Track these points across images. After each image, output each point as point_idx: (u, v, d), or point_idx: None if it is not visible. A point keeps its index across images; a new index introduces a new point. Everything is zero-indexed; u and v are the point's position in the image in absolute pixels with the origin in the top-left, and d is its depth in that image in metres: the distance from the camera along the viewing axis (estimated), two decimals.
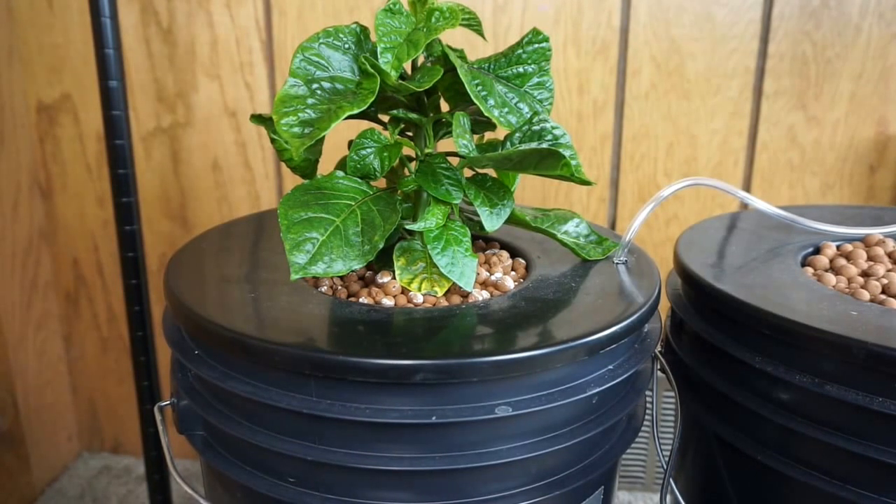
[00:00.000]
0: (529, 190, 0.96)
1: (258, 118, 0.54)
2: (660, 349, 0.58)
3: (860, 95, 0.89)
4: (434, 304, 0.49)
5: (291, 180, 0.98)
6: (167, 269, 0.52)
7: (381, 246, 0.46)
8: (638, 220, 0.55)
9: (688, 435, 0.59)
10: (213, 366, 0.45)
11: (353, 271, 0.46)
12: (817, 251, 0.61)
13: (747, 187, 0.94)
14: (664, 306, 0.58)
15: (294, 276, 0.44)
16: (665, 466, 0.54)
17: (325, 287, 0.51)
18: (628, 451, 0.51)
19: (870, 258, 0.59)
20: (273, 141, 0.53)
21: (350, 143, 0.50)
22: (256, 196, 1.00)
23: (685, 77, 0.90)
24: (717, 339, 0.52)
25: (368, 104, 0.46)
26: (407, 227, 0.50)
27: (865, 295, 0.52)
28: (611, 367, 0.46)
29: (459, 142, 0.48)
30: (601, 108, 0.92)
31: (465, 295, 0.50)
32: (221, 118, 0.96)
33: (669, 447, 0.54)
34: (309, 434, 0.43)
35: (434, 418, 0.40)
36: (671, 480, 0.55)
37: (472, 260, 0.50)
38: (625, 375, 0.46)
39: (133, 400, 0.93)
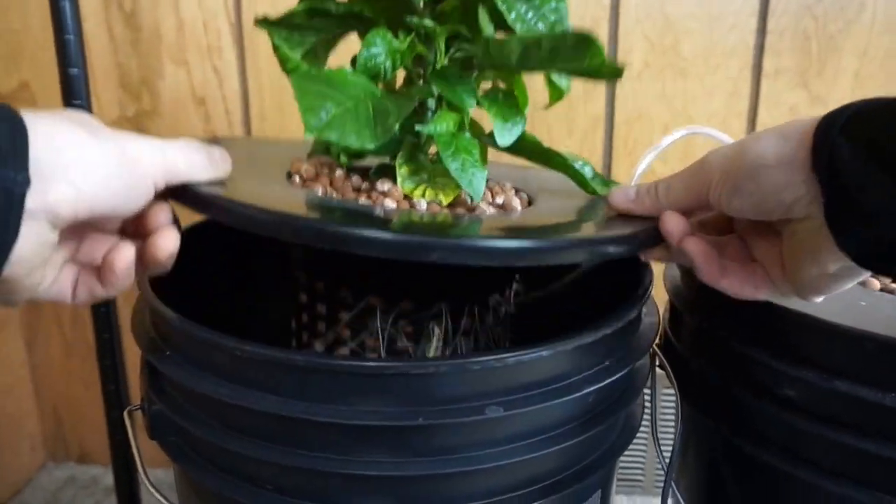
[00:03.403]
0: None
1: (264, 22, 0.51)
2: (658, 343, 0.57)
3: (865, 73, 0.86)
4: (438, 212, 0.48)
5: None
6: None
7: (395, 129, 0.44)
8: (639, 170, 0.55)
9: (689, 434, 0.58)
10: (186, 367, 0.44)
11: (363, 152, 0.45)
12: None
13: None
14: (661, 300, 0.57)
15: (308, 135, 0.41)
16: (665, 468, 0.53)
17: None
18: (626, 452, 0.52)
19: None
20: (276, 48, 0.50)
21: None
22: None
23: (681, 56, 0.87)
24: (719, 332, 0.51)
25: None
26: (418, 128, 0.48)
27: (876, 284, 0.51)
28: (606, 363, 0.45)
29: (485, 26, 0.47)
30: (591, 89, 0.89)
31: (472, 209, 0.48)
32: (189, 105, 0.93)
33: (670, 448, 0.53)
34: (287, 438, 0.42)
35: (421, 420, 0.39)
36: (672, 483, 0.54)
37: (482, 170, 0.48)
38: (621, 372, 0.45)
39: (100, 406, 0.92)
